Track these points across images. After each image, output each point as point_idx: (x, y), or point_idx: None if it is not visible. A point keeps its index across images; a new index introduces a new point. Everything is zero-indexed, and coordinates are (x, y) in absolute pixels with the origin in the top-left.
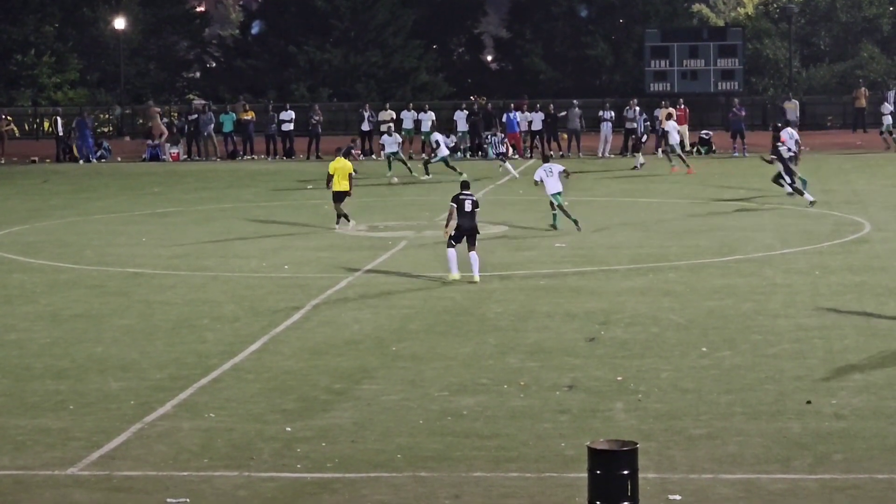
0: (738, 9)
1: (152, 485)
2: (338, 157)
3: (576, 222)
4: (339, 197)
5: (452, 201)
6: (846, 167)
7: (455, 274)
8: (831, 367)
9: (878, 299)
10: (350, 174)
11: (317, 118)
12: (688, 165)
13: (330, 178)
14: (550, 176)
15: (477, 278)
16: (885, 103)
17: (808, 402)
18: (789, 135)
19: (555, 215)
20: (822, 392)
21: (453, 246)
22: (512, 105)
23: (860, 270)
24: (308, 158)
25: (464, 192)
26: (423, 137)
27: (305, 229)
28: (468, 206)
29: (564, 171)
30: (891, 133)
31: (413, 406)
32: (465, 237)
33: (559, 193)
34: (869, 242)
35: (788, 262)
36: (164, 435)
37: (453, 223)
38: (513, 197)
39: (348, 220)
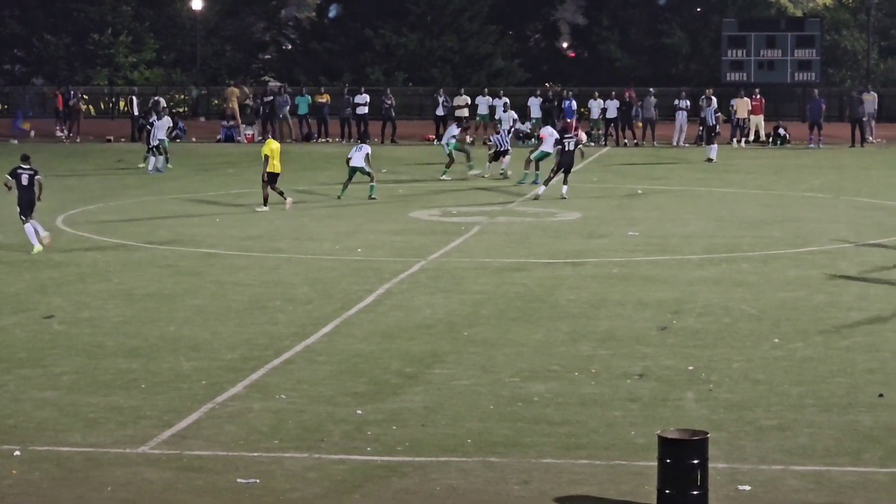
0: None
1: (222, 465)
2: (270, 139)
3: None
4: (274, 178)
5: (9, 174)
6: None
7: (37, 246)
8: None
9: None
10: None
11: (389, 102)
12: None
13: (267, 160)
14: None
15: (38, 247)
16: None
17: (881, 396)
18: None
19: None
20: (894, 385)
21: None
22: (568, 92)
23: None
24: (382, 142)
25: (22, 165)
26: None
27: (379, 213)
28: (24, 180)
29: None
30: None
31: (484, 391)
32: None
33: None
34: None
35: (862, 255)
36: (234, 415)
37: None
38: (587, 185)
39: (285, 198)
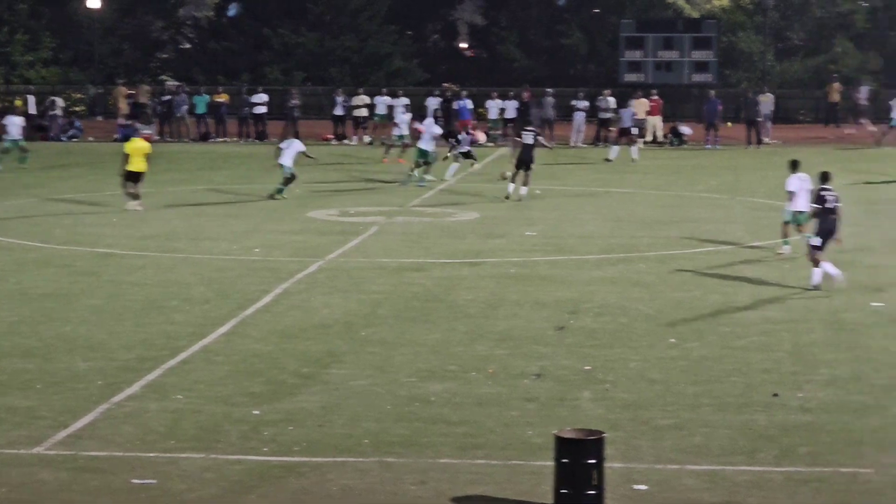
0: (713, 1)
1: (118, 465)
2: (133, 138)
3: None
4: (134, 177)
5: None
6: (817, 161)
7: None
8: (798, 361)
9: (845, 293)
10: (147, 154)
11: (294, 102)
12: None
13: (126, 158)
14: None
15: None
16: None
17: (775, 395)
18: None
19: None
20: (788, 385)
21: None
22: (464, 93)
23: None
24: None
25: None
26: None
27: (276, 213)
28: None
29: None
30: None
31: (381, 391)
32: None
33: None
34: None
35: (758, 255)
36: (131, 415)
37: None
38: (485, 185)
39: (138, 199)
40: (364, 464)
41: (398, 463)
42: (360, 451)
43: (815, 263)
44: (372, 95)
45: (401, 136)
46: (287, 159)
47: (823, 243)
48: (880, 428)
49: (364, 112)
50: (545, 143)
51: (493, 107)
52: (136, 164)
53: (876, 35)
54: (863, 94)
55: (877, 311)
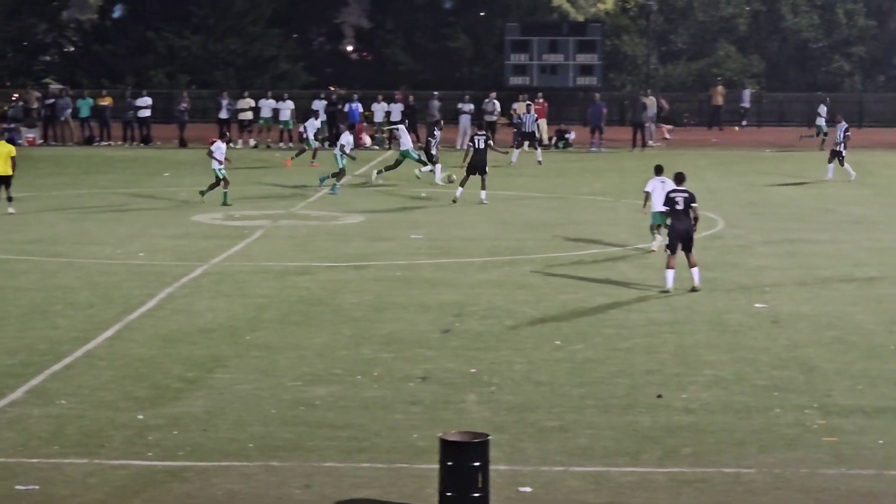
0: (598, 5)
1: (1, 472)
2: (2, 142)
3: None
4: (2, 181)
5: None
6: (701, 164)
7: None
8: (682, 362)
9: (729, 295)
10: (13, 157)
11: (184, 105)
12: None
13: None
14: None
15: None
16: (822, 105)
17: (659, 396)
18: None
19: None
20: (672, 386)
21: None
22: (355, 96)
23: (712, 266)
24: (181, 146)
25: None
26: (281, 126)
27: (161, 217)
28: None
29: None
30: (825, 135)
31: (266, 395)
32: None
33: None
34: (722, 239)
35: (643, 257)
36: (13, 421)
37: None
38: (370, 188)
39: (10, 202)
40: (249, 468)
41: (283, 467)
42: (245, 456)
43: (668, 266)
44: (257, 99)
45: (313, 141)
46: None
47: (680, 245)
48: (763, 428)
49: (249, 115)
50: (497, 149)
51: (379, 110)
52: (5, 168)
53: (758, 39)
54: (745, 97)
55: (759, 311)
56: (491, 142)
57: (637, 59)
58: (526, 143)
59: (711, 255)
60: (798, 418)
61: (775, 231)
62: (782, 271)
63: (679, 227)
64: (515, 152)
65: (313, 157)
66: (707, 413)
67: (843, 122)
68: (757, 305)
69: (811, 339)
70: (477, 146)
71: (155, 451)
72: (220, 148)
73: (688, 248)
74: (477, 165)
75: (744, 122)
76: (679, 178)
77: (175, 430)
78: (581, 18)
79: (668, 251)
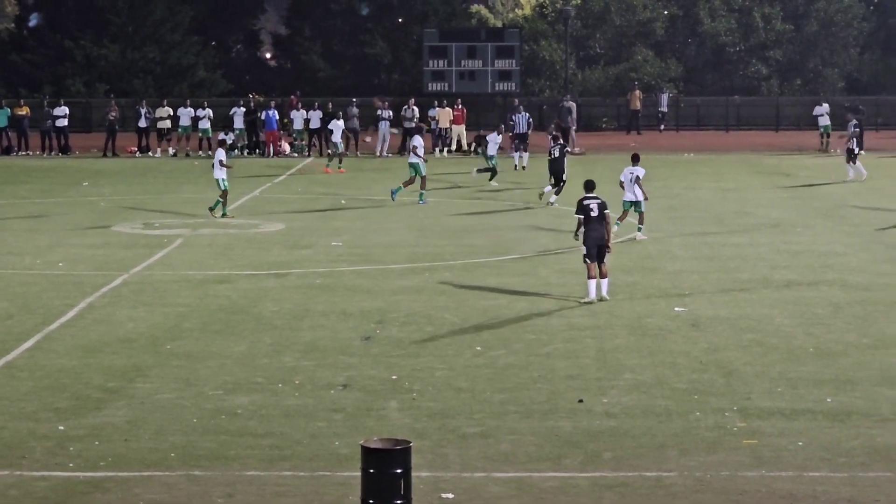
0: (516, 10)
1: None
2: None
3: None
4: None
5: None
6: (620, 168)
7: None
8: (603, 367)
9: (648, 299)
10: None
11: (114, 114)
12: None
13: None
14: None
15: None
16: (818, 106)
17: (580, 401)
18: None
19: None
20: (593, 391)
21: None
22: (272, 103)
23: (632, 270)
24: (105, 155)
25: None
26: (199, 135)
27: (81, 226)
28: None
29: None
30: (828, 135)
31: (187, 405)
32: None
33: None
34: (641, 243)
35: (562, 262)
36: None
37: None
38: (291, 195)
39: None
40: (171, 477)
41: (205, 476)
42: (166, 465)
43: (589, 276)
44: (176, 107)
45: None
46: (216, 172)
47: (595, 253)
48: (683, 432)
49: (168, 124)
50: (573, 150)
51: (298, 117)
52: None
53: (675, 43)
54: (664, 101)
55: (679, 315)
56: (567, 149)
57: (555, 64)
58: (522, 146)
59: (631, 259)
60: (718, 421)
61: (694, 235)
62: (701, 275)
63: (594, 234)
64: (515, 155)
65: (340, 162)
66: (628, 417)
67: (855, 121)
68: (676, 309)
69: (730, 343)
70: (553, 155)
71: (76, 462)
72: (222, 155)
73: (601, 257)
74: (554, 173)
75: (662, 127)
76: (589, 186)
77: (96, 440)
78: (499, 24)
79: (587, 260)
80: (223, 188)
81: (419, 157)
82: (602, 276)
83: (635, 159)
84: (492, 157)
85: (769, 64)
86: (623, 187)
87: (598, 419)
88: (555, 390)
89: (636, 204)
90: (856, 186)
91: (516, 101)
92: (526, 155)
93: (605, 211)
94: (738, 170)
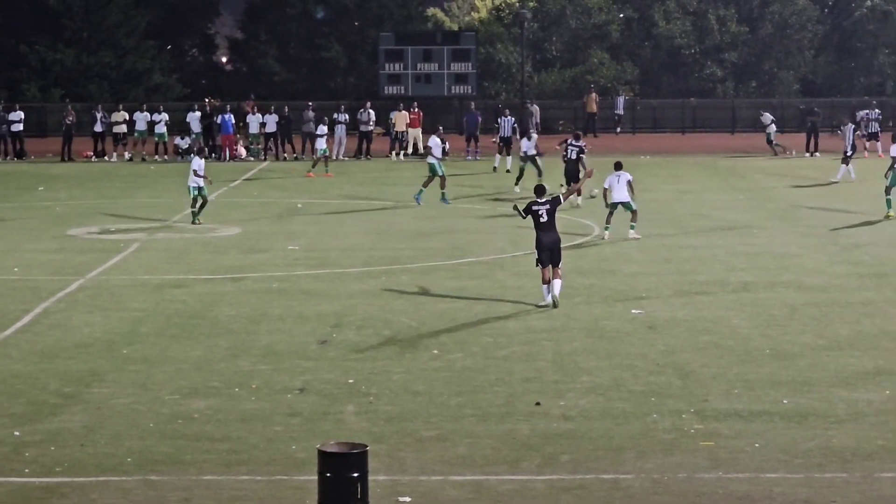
0: (472, 13)
1: None
2: None
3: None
4: None
5: None
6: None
7: None
8: (560, 369)
9: (605, 302)
10: None
11: (70, 119)
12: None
13: None
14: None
15: None
16: (766, 113)
17: (538, 404)
18: None
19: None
20: (550, 394)
21: None
22: (228, 107)
23: (589, 273)
24: (62, 160)
25: None
26: (156, 139)
27: (36, 231)
28: None
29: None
30: (772, 142)
31: (143, 409)
32: None
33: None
34: (598, 246)
35: (520, 265)
36: None
37: None
38: (247, 199)
39: None
40: (127, 482)
41: (162, 481)
42: (123, 470)
43: (543, 280)
44: (131, 112)
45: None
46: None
47: (548, 257)
48: (640, 434)
49: (124, 128)
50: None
51: (254, 121)
52: None
53: (631, 46)
54: (620, 104)
55: (636, 317)
56: (584, 153)
57: (511, 67)
58: (505, 149)
59: (587, 261)
60: (675, 423)
61: (650, 237)
62: (658, 277)
63: (546, 239)
64: (497, 157)
65: (326, 165)
66: (585, 420)
67: (852, 125)
68: (633, 311)
69: (687, 345)
70: (569, 156)
71: (32, 468)
72: (200, 165)
73: (555, 261)
74: (569, 175)
75: (618, 129)
76: (539, 191)
77: (52, 445)
78: (455, 27)
79: (540, 265)
80: (194, 195)
81: (435, 157)
82: (555, 277)
83: (618, 166)
84: (538, 155)
85: (724, 66)
86: (606, 195)
87: (556, 422)
88: (512, 393)
89: (625, 204)
90: (812, 188)
91: (472, 104)
92: (510, 158)
93: (556, 212)
94: (695, 172)
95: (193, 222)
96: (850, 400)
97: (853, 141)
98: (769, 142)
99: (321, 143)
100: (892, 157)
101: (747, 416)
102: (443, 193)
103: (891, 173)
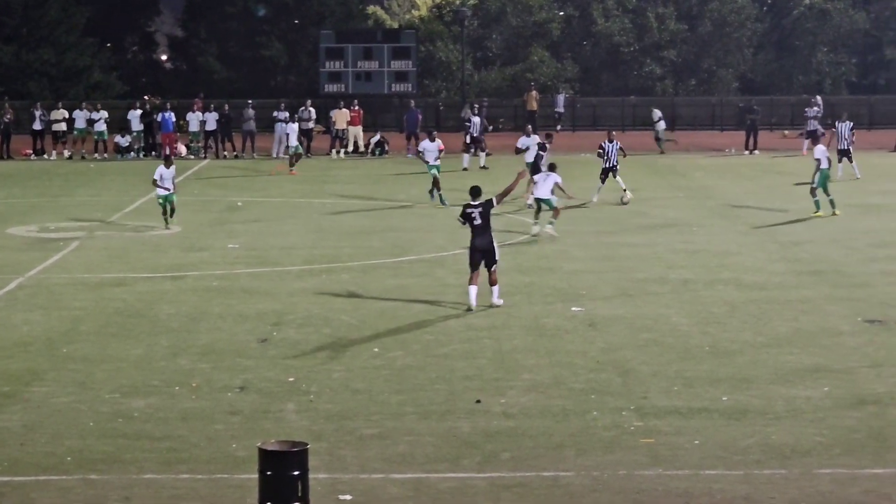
0: (413, 11)
1: None
2: None
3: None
4: None
5: None
6: (517, 169)
7: None
8: (501, 367)
9: (545, 300)
10: None
11: (9, 117)
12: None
13: None
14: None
15: None
16: (655, 109)
17: (478, 402)
18: None
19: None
20: (491, 391)
21: None
22: (168, 105)
23: (529, 271)
24: (1, 158)
25: None
26: (95, 137)
27: None
28: None
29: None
30: (660, 138)
31: (83, 408)
32: None
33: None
34: (538, 244)
35: (460, 263)
36: None
37: None
38: (187, 198)
39: None
40: (67, 482)
41: (102, 480)
42: (63, 470)
43: (470, 282)
44: (71, 109)
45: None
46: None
47: (479, 261)
48: (580, 431)
49: (63, 126)
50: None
51: (194, 119)
52: None
53: (571, 44)
54: (560, 102)
55: (576, 315)
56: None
57: (452, 65)
58: (473, 147)
59: (528, 259)
60: (615, 421)
61: (590, 235)
62: (598, 275)
63: (479, 242)
64: (465, 157)
65: (293, 163)
66: (526, 417)
67: (849, 122)
68: (573, 309)
69: (627, 342)
70: (610, 162)
71: None
72: (161, 174)
73: (489, 265)
74: (610, 171)
75: (559, 127)
76: (474, 192)
77: None
78: (395, 25)
79: (471, 269)
80: (160, 204)
81: (428, 161)
82: (492, 282)
83: (551, 167)
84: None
85: (664, 64)
86: (534, 184)
87: (496, 420)
88: (453, 391)
89: (546, 201)
90: (749, 185)
91: (412, 102)
92: (483, 154)
93: (492, 212)
94: (634, 170)
95: (166, 228)
96: (788, 397)
97: (851, 138)
98: (657, 139)
99: (293, 140)
100: (816, 160)
101: (687, 413)
102: (439, 195)
103: (817, 175)
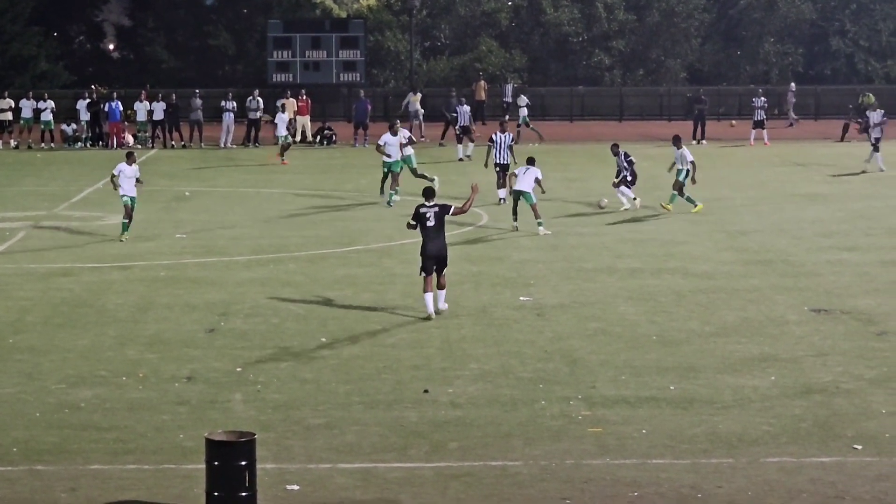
0: (361, 1)
1: None
2: None
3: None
4: None
5: None
6: (465, 159)
7: None
8: (448, 356)
9: (494, 289)
10: None
11: None
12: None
13: None
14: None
15: None
16: (522, 95)
17: (426, 391)
18: None
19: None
20: (438, 381)
21: None
22: (115, 94)
23: (477, 261)
24: None
25: None
26: (42, 127)
27: None
28: None
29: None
30: (528, 125)
31: (29, 399)
32: None
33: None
34: (486, 233)
35: (407, 253)
36: None
37: None
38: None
39: None
40: (13, 472)
41: (48, 471)
42: (8, 460)
43: (425, 290)
44: (17, 99)
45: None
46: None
47: (432, 266)
48: (528, 421)
49: (9, 116)
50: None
51: (141, 108)
52: None
53: (520, 33)
54: (509, 91)
55: (524, 304)
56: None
57: (400, 54)
58: (465, 137)
59: (476, 249)
60: (563, 410)
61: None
62: (546, 264)
63: (431, 247)
64: (459, 147)
65: (283, 152)
66: (473, 407)
67: (881, 110)
68: (522, 298)
69: (575, 331)
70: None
71: None
72: (122, 171)
73: (440, 269)
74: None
75: (507, 117)
76: (428, 194)
77: None
78: (343, 15)
79: (424, 274)
80: (124, 203)
81: (389, 155)
82: (440, 286)
83: (530, 161)
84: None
85: (612, 54)
86: (513, 180)
87: (444, 409)
88: (400, 381)
89: (525, 195)
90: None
91: (361, 92)
92: (471, 145)
93: (447, 216)
94: (583, 160)
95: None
96: (735, 386)
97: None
98: (526, 124)
99: (282, 130)
100: (691, 162)
101: (634, 402)
102: (388, 191)
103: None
